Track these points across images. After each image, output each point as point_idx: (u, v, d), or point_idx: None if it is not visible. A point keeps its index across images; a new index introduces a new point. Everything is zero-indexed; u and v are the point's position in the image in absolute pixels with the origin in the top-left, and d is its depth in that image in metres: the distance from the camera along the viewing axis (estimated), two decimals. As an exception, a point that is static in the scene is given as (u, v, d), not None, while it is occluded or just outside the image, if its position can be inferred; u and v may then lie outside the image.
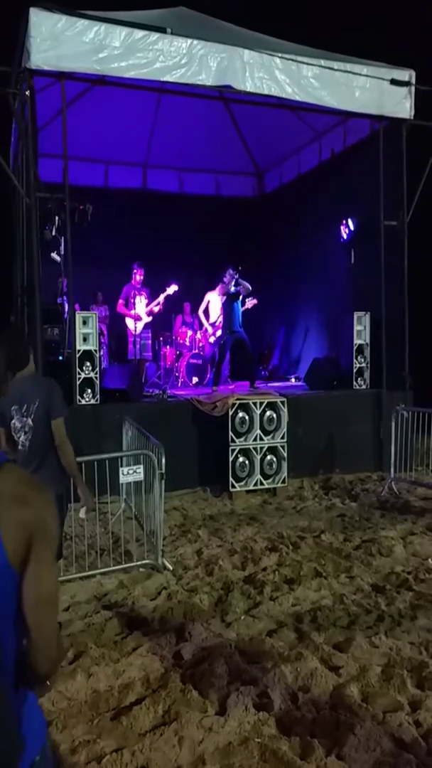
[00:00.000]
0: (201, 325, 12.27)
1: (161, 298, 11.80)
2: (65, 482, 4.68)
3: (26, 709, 1.65)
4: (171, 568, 5.94)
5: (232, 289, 10.65)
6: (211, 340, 11.84)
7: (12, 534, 1.54)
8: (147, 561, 6.03)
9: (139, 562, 6.01)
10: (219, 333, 11.52)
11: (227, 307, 10.79)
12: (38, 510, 1.59)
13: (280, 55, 9.10)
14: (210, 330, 11.90)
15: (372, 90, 9.65)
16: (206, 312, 11.91)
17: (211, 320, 11.89)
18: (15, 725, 1.60)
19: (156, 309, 11.91)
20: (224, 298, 10.91)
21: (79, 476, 4.78)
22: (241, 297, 10.75)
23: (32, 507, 1.59)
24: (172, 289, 11.79)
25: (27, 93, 8.28)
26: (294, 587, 5.46)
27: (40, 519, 1.59)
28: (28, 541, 1.56)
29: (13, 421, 4.45)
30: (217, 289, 11.42)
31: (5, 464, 1.63)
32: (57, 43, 7.99)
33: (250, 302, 11.15)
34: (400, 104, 9.87)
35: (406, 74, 9.87)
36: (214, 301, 11.74)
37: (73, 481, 4.75)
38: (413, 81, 9.89)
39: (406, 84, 9.84)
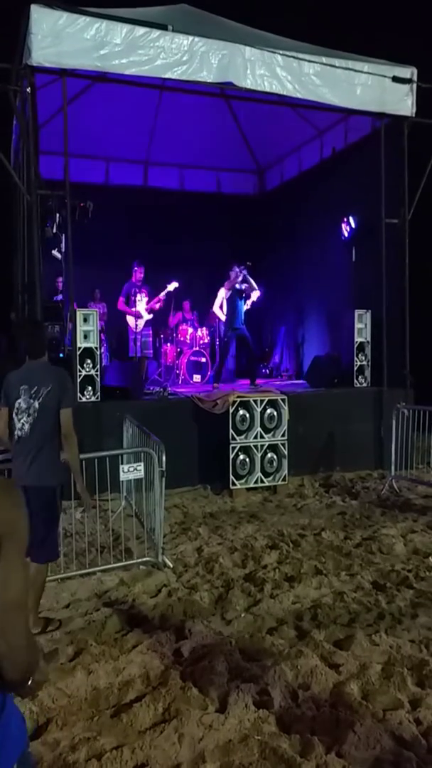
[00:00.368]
0: (201, 322, 12.27)
1: (162, 294, 11.80)
2: (62, 476, 4.65)
3: (4, 716, 1.61)
4: (171, 565, 5.94)
5: (238, 286, 10.65)
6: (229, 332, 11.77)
7: None
8: (147, 558, 6.03)
9: (139, 560, 6.01)
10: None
11: (230, 304, 10.79)
12: (4, 512, 1.57)
13: (281, 52, 9.08)
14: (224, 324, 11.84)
15: (373, 87, 9.63)
16: (221, 308, 11.86)
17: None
18: None
19: (157, 306, 11.90)
20: (229, 293, 10.90)
21: (80, 473, 4.77)
22: (244, 295, 10.75)
23: (0, 510, 1.56)
24: (173, 285, 11.79)
25: (28, 90, 8.28)
26: (294, 585, 5.46)
27: (6, 521, 1.56)
28: None
29: (18, 401, 4.45)
30: (226, 284, 11.42)
31: None
32: (58, 40, 7.98)
33: (255, 294, 11.11)
34: (402, 102, 9.85)
35: (407, 71, 9.85)
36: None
37: (72, 478, 4.73)
38: (415, 78, 9.87)
39: (408, 81, 9.82)
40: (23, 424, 4.44)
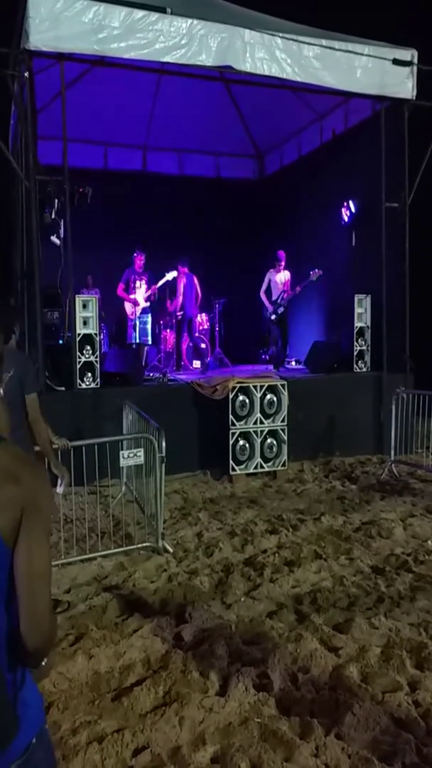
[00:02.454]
0: (200, 308, 12.28)
1: (159, 284, 11.73)
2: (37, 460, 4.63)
3: (22, 691, 1.66)
4: (171, 550, 5.96)
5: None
6: (273, 317, 11.81)
7: (4, 512, 1.56)
8: (147, 544, 6.05)
9: (139, 545, 6.04)
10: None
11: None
12: (30, 487, 1.61)
13: (281, 35, 9.00)
14: (270, 308, 11.88)
15: (374, 70, 9.55)
16: (267, 291, 11.94)
17: (273, 299, 11.90)
18: (9, 706, 1.60)
19: (153, 297, 11.84)
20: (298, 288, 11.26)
21: (52, 454, 4.76)
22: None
23: (23, 485, 1.60)
24: (171, 275, 11.73)
25: (26, 75, 8.21)
26: (294, 569, 5.49)
27: (31, 496, 1.60)
28: (19, 518, 1.58)
29: None
30: (282, 270, 11.65)
31: None
32: (56, 23, 7.90)
33: (315, 274, 11.17)
34: (402, 84, 9.77)
35: (408, 54, 9.76)
36: (275, 280, 11.83)
37: (47, 461, 4.72)
38: (415, 61, 9.78)
39: (409, 64, 9.73)
40: None
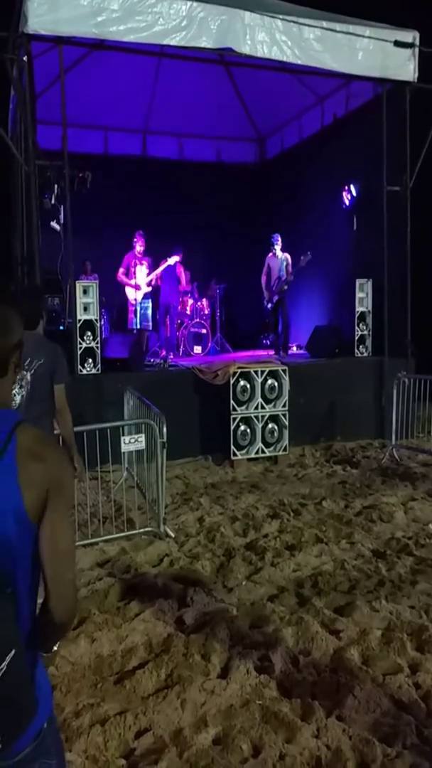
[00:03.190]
0: (201, 293, 12.25)
1: (161, 269, 11.69)
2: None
3: (38, 673, 1.69)
4: (173, 535, 5.98)
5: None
6: (269, 306, 11.69)
7: (30, 489, 1.60)
8: (149, 528, 6.08)
9: (141, 530, 6.06)
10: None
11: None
12: (55, 467, 1.66)
13: (281, 17, 8.93)
14: (265, 296, 11.76)
15: (375, 52, 9.47)
16: (267, 276, 11.75)
17: (270, 285, 11.73)
18: (30, 687, 1.63)
19: (155, 281, 11.81)
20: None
21: (75, 446, 4.78)
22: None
23: (49, 464, 1.65)
24: (173, 259, 11.69)
25: (25, 59, 8.15)
26: (295, 553, 5.51)
27: (56, 475, 1.65)
28: (45, 497, 1.62)
29: None
30: (277, 255, 11.42)
31: (21, 423, 1.68)
32: (54, 6, 7.83)
33: (304, 259, 10.98)
34: (404, 67, 9.69)
35: (410, 36, 9.67)
36: (271, 265, 11.57)
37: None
38: (417, 43, 9.69)
39: (410, 46, 9.64)
40: (14, 395, 4.42)
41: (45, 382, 4.41)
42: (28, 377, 4.39)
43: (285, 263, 11.22)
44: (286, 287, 11.19)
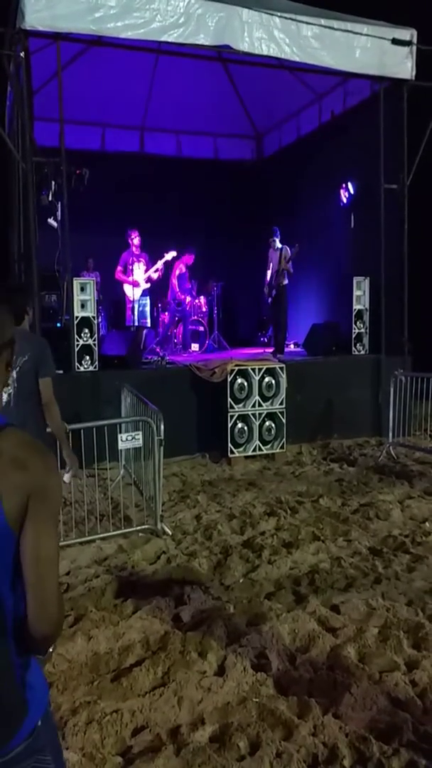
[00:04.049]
0: (199, 290, 12.25)
1: (159, 264, 11.71)
2: (49, 445, 4.63)
3: (29, 675, 1.67)
4: (170, 532, 5.98)
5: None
6: (269, 300, 11.62)
7: (10, 497, 1.55)
8: (146, 526, 6.07)
9: (138, 527, 6.06)
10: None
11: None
12: (37, 475, 1.60)
13: (279, 14, 8.92)
14: (267, 291, 11.73)
15: (373, 50, 9.47)
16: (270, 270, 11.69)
17: (267, 280, 11.69)
18: (18, 689, 1.61)
19: (155, 276, 11.83)
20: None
21: (65, 439, 4.76)
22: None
23: (30, 472, 1.59)
24: (171, 255, 11.70)
25: (22, 55, 8.13)
26: (292, 551, 5.51)
27: (38, 483, 1.59)
28: (26, 504, 1.57)
29: None
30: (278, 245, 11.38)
31: (6, 427, 1.63)
32: (52, 2, 7.83)
33: (292, 250, 10.96)
34: (402, 64, 9.70)
35: (407, 33, 9.68)
36: (271, 260, 11.50)
37: (58, 445, 4.73)
38: (415, 40, 9.70)
39: (408, 44, 9.65)
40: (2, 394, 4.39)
41: (31, 377, 4.39)
42: (14, 374, 4.36)
43: (280, 254, 11.18)
44: (287, 271, 11.06)
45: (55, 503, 1.65)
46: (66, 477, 4.84)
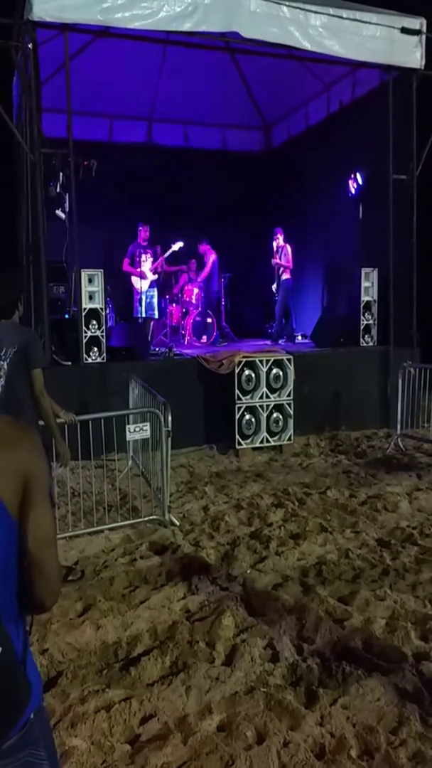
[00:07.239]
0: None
1: (166, 254, 11.70)
2: (43, 437, 4.63)
3: (29, 659, 1.67)
4: (178, 523, 6.00)
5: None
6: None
7: (5, 481, 1.56)
8: (154, 517, 6.09)
9: (146, 518, 6.08)
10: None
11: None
12: (29, 454, 1.62)
13: (287, 3, 8.85)
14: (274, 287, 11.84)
15: (382, 39, 9.40)
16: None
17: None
18: (24, 670, 1.62)
19: (162, 267, 11.82)
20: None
21: (57, 430, 4.75)
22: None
23: (23, 451, 1.61)
24: (178, 245, 11.68)
25: (29, 46, 8.12)
26: (300, 542, 5.52)
27: (31, 463, 1.62)
28: (23, 487, 1.59)
29: None
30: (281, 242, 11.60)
31: None
32: (59, -7, 7.81)
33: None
34: (411, 54, 9.61)
35: (417, 22, 9.59)
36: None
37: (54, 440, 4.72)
38: (424, 29, 9.61)
39: (417, 33, 9.57)
40: None
41: (21, 369, 4.39)
42: (5, 366, 4.36)
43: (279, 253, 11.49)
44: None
45: (46, 482, 1.68)
46: (57, 470, 4.81)
